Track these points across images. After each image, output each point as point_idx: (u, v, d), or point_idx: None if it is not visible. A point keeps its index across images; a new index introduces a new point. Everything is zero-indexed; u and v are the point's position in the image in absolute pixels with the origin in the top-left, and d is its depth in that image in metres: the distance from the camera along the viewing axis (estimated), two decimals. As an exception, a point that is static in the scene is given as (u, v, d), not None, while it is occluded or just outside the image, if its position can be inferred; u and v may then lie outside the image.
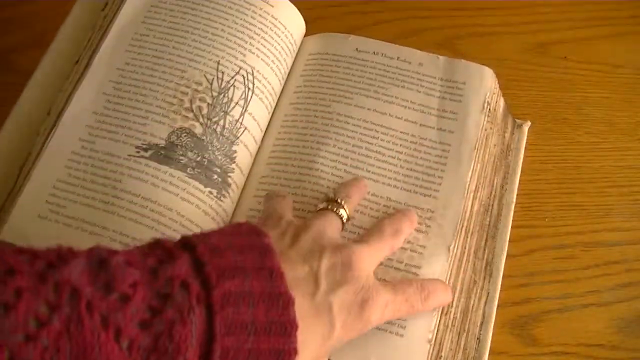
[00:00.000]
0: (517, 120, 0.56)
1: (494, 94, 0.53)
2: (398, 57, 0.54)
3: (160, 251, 0.33)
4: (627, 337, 0.48)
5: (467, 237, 0.48)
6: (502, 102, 0.54)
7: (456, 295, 0.46)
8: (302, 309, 0.35)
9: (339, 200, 0.45)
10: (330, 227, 0.43)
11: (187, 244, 0.34)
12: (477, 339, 0.46)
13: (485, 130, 0.51)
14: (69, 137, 0.47)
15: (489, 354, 0.46)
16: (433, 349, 0.43)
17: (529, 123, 0.56)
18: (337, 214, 0.44)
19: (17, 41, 0.61)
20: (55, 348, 0.28)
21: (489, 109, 0.52)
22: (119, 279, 0.30)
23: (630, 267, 0.51)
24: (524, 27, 0.63)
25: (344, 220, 0.45)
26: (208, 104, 0.48)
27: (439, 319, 0.44)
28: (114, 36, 0.51)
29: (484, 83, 0.52)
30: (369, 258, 0.41)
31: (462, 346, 0.45)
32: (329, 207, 0.44)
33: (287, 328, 0.33)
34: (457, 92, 0.52)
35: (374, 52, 0.54)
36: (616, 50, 0.61)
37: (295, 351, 0.34)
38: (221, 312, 0.32)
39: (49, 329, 0.28)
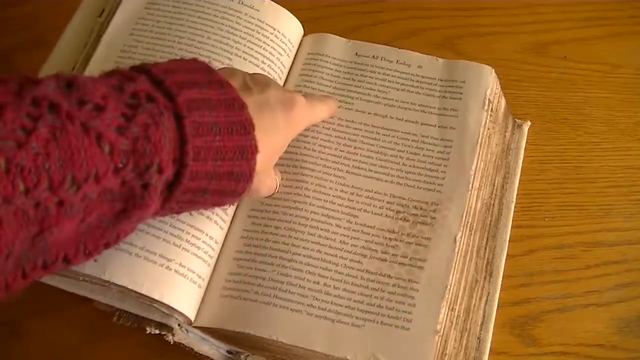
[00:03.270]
0: (517, 120, 0.56)
1: (495, 93, 0.53)
2: (397, 60, 0.54)
3: (119, 75, 0.35)
4: (627, 337, 0.48)
5: (471, 234, 0.48)
6: (503, 102, 0.54)
7: (460, 293, 0.46)
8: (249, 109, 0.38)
9: None
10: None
11: (140, 69, 0.36)
12: (478, 338, 0.46)
13: (488, 129, 0.51)
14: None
15: (489, 354, 0.46)
16: (440, 344, 0.43)
17: (529, 123, 0.56)
18: None
19: (17, 41, 0.61)
20: (46, 153, 0.29)
21: (491, 108, 0.52)
22: (89, 92, 0.31)
23: (630, 267, 0.51)
24: (524, 27, 0.63)
25: None
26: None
27: (446, 312, 0.44)
28: (103, 48, 0.51)
29: (484, 80, 0.52)
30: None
31: (464, 345, 0.45)
32: None
33: (246, 127, 0.37)
34: (457, 91, 0.52)
35: (373, 56, 0.54)
36: (616, 50, 0.61)
37: (255, 147, 0.38)
38: (188, 116, 0.34)
39: (37, 136, 0.28)
